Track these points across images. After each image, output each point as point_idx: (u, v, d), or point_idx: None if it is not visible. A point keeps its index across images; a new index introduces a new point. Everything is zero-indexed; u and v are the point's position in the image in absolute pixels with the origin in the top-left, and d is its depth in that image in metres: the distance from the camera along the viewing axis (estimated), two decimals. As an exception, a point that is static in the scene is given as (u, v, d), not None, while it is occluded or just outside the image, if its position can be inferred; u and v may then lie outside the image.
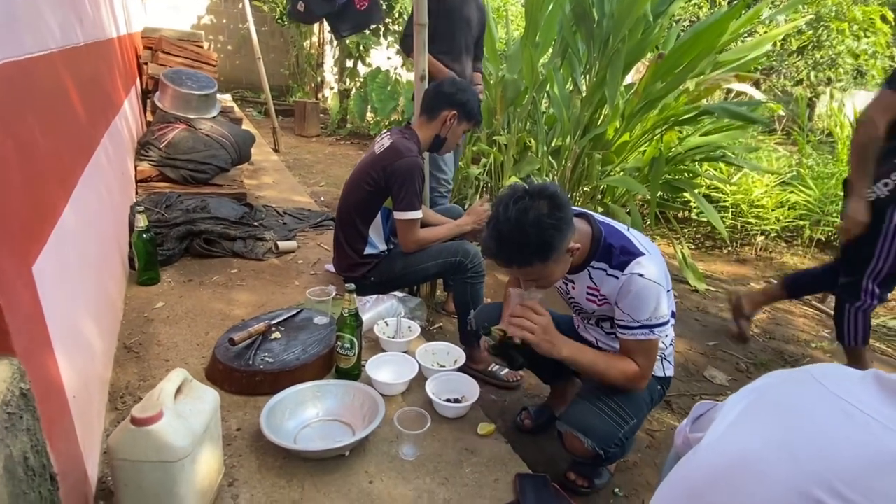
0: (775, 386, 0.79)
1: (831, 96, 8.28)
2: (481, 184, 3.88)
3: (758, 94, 3.96)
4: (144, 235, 2.11)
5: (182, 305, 2.05)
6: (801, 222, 4.53)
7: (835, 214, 4.47)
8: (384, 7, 7.05)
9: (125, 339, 1.80)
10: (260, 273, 2.42)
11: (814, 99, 8.76)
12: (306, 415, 1.49)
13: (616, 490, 1.69)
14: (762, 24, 6.74)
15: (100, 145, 1.98)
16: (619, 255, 1.39)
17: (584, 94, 3.44)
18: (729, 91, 4.51)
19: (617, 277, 1.38)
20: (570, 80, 3.64)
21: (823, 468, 0.64)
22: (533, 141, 3.75)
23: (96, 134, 1.97)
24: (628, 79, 3.65)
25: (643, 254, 1.38)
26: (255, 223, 2.79)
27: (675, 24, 5.82)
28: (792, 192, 4.51)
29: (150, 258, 2.16)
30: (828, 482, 0.62)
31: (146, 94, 4.15)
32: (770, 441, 0.71)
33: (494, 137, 3.76)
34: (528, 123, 3.82)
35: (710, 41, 2.86)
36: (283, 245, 2.64)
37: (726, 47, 3.33)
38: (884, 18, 7.60)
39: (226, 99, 6.05)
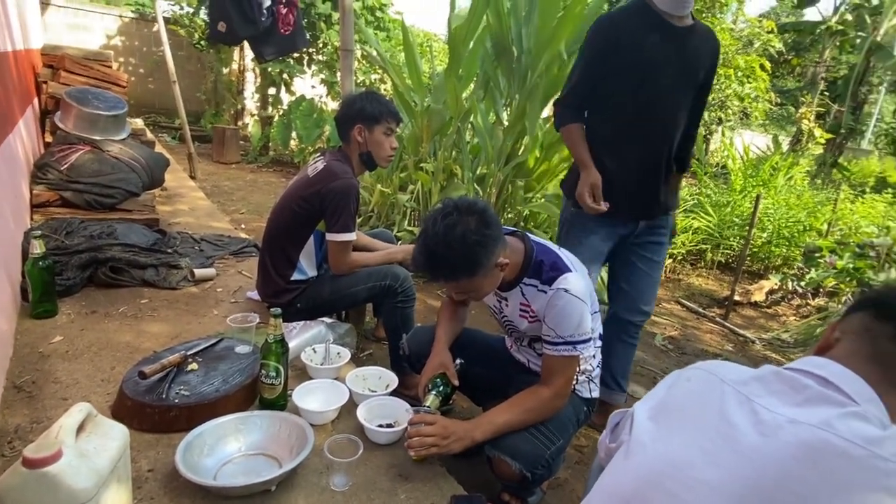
0: (685, 389, 0.84)
1: (723, 134, 9.18)
2: (409, 210, 3.90)
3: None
4: (41, 263, 1.91)
5: (84, 339, 1.87)
6: (704, 246, 4.93)
7: (732, 239, 4.90)
8: (308, 36, 7.03)
9: (15, 377, 1.60)
10: (174, 302, 2.26)
11: (708, 136, 9.66)
12: (228, 450, 1.39)
13: (549, 507, 1.71)
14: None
15: (-11, 164, 1.79)
16: (548, 270, 1.43)
17: (505, 125, 3.59)
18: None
19: (546, 292, 1.42)
20: (492, 111, 3.79)
21: (746, 468, 0.68)
22: (459, 168, 3.84)
23: (-15, 151, 1.79)
24: (546, 111, 3.85)
25: (570, 270, 1.44)
26: (169, 250, 2.62)
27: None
28: (694, 218, 4.90)
29: (46, 288, 1.96)
30: (750, 480, 0.66)
31: (45, 115, 3.83)
32: (693, 446, 0.74)
33: (422, 165, 3.81)
34: (454, 152, 3.92)
35: (619, 78, 3.09)
36: (199, 273, 2.50)
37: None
38: (762, 67, 8.59)
39: (137, 123, 5.73)
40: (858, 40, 9.03)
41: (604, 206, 1.78)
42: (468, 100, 3.64)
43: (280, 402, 1.57)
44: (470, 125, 3.90)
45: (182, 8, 7.95)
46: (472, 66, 3.71)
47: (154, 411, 1.45)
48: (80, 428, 1.00)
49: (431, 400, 1.50)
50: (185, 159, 5.62)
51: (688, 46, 1.79)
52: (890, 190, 7.16)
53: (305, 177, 2.04)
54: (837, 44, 9.16)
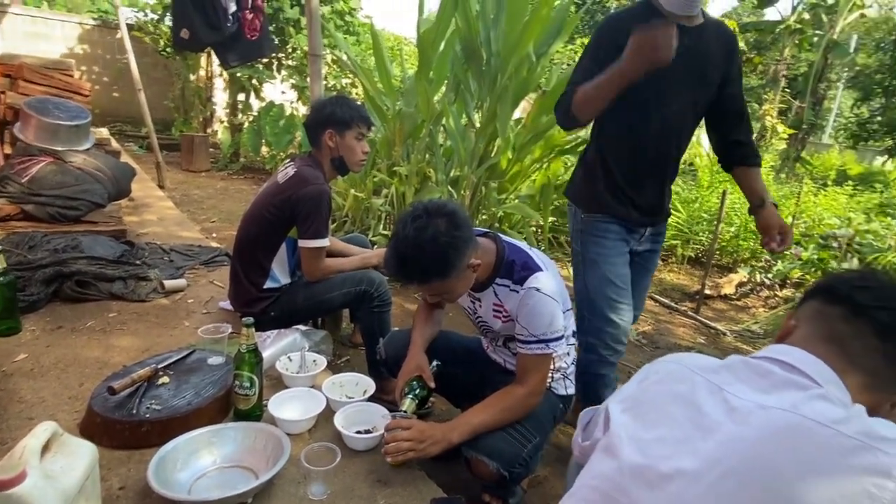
0: (657, 382, 0.86)
1: (690, 132, 9.36)
2: (384, 214, 3.89)
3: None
4: (2, 279, 1.85)
5: (50, 356, 1.82)
6: (674, 242, 5.03)
7: (701, 234, 5.01)
8: (276, 41, 6.96)
9: (-24, 399, 1.55)
10: (144, 315, 2.21)
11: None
12: (202, 463, 1.37)
13: (529, 506, 1.72)
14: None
15: (-57, 178, 1.73)
16: (519, 270, 1.45)
17: (477, 127, 3.61)
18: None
19: (518, 292, 1.44)
20: (463, 114, 3.81)
21: (722, 455, 0.70)
22: (432, 171, 3.85)
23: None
24: (516, 113, 3.89)
25: (541, 269, 1.46)
26: (137, 262, 2.57)
27: (554, 65, 6.33)
28: (665, 215, 5.00)
29: (8, 305, 1.90)
30: (726, 467, 0.69)
31: (3, 126, 3.71)
32: (668, 437, 0.76)
33: (395, 168, 3.81)
34: (427, 155, 3.93)
35: (586, 79, 3.14)
36: (169, 284, 2.45)
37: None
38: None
39: (102, 132, 5.59)
40: (816, 38, 9.34)
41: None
42: (439, 103, 3.66)
43: (255, 413, 1.55)
44: (442, 128, 3.91)
45: (146, 14, 7.80)
46: (442, 69, 3.73)
47: (124, 427, 1.42)
48: (46, 448, 0.97)
49: (408, 404, 1.50)
50: (153, 168, 5.51)
51: (697, 46, 1.67)
52: (850, 182, 7.41)
53: (275, 183, 2.02)
54: (796, 42, 9.47)
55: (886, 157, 11.85)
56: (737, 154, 1.90)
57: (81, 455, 1.02)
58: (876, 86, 11.85)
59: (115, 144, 4.80)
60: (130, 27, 6.58)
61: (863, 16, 9.65)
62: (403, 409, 1.49)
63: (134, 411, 1.44)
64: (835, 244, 4.22)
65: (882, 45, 11.37)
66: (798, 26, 9.32)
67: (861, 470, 0.62)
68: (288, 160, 2.11)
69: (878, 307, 0.76)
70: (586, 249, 1.88)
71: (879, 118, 12.14)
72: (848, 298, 0.79)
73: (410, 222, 1.33)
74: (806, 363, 0.75)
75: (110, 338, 2.00)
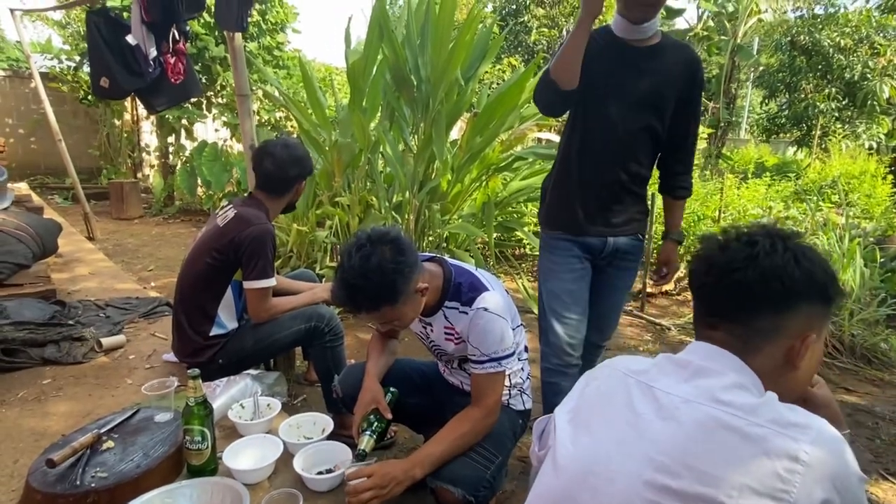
0: (595, 389, 0.91)
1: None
2: (329, 245, 3.86)
3: (558, 139, 4.57)
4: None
5: (-23, 435, 1.70)
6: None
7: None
8: (203, 80, 6.83)
9: None
10: (82, 378, 2.10)
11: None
12: (156, 528, 1.31)
13: (499, 522, 1.73)
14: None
15: None
16: (467, 291, 1.48)
17: (415, 152, 3.66)
18: (540, 140, 5.14)
19: (467, 313, 1.47)
20: (400, 140, 3.86)
21: (654, 453, 0.74)
22: (375, 199, 3.86)
23: None
24: (452, 135, 3.98)
25: (488, 289, 1.49)
26: (70, 322, 2.44)
27: (482, 84, 6.52)
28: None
29: (-74, 385, 1.77)
30: (658, 463, 0.73)
31: None
32: (608, 441, 0.80)
33: (337, 199, 3.80)
34: (368, 183, 3.94)
35: (513, 98, 3.27)
36: (107, 342, 2.34)
37: (528, 103, 3.82)
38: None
39: (21, 188, 5.30)
40: (722, 43, 10.04)
41: None
42: (375, 131, 3.69)
43: (210, 467, 1.49)
44: (380, 155, 3.94)
45: (61, 62, 7.49)
46: (375, 97, 3.77)
47: (68, 501, 1.33)
48: (-21, 536, 0.91)
49: (366, 442, 1.48)
50: (80, 220, 5.26)
51: (653, 66, 1.72)
52: (768, 173, 7.95)
53: (215, 227, 1.99)
54: (705, 48, 10.14)
55: (796, 147, 12.80)
56: (669, 183, 1.94)
57: (21, 538, 0.96)
58: (779, 83, 12.82)
59: (36, 200, 4.57)
60: (45, 76, 6.31)
61: (760, 20, 10.47)
62: (362, 447, 1.47)
63: (77, 482, 1.36)
64: (759, 233, 4.50)
65: (780, 46, 12.34)
66: (705, 33, 10.00)
67: (773, 455, 0.68)
68: (226, 203, 2.08)
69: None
70: (542, 263, 1.99)
71: (786, 112, 13.12)
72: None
73: (355, 252, 1.34)
74: (712, 357, 0.81)
75: (46, 406, 1.88)
